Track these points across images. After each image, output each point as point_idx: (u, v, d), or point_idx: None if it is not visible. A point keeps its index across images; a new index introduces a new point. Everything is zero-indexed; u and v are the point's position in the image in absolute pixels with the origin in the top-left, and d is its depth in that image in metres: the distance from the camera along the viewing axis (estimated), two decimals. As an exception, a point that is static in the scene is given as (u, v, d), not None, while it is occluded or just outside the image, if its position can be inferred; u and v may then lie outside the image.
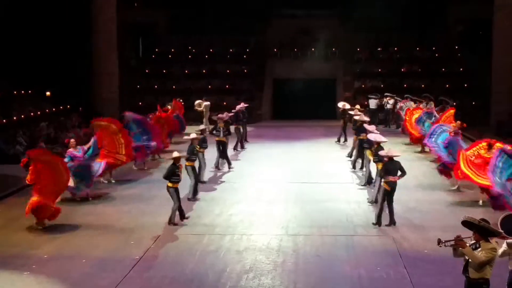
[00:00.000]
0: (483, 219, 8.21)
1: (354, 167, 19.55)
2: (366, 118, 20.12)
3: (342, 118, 24.44)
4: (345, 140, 24.14)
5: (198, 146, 16.68)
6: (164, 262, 11.70)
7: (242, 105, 24.46)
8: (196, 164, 16.79)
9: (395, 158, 13.92)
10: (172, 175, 13.75)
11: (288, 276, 10.90)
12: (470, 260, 8.09)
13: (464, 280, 8.29)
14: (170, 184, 13.79)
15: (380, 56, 35.85)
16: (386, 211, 13.80)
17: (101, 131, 17.97)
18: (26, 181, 14.23)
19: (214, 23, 34.45)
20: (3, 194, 16.56)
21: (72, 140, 17.08)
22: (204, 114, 26.72)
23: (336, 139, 24.55)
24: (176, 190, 13.82)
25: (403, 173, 13.81)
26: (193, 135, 16.72)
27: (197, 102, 26.86)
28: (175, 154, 14.17)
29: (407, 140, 24.25)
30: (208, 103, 26.88)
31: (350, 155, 20.64)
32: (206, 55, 36.06)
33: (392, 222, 13.76)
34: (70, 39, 27.95)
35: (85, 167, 15.98)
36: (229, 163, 19.91)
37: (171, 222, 13.83)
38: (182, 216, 14.01)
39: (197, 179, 16.43)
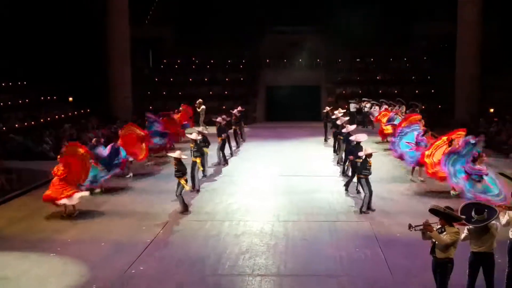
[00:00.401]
0: (447, 207, 8.25)
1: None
2: (345, 118, 20.06)
3: (324, 121, 24.45)
4: (327, 139, 24.16)
5: (192, 145, 16.59)
6: (171, 245, 11.68)
7: (239, 108, 24.41)
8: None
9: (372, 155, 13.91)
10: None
11: (279, 257, 10.90)
12: (436, 242, 8.11)
13: (432, 259, 8.33)
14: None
15: (358, 66, 35.94)
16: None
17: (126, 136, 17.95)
18: (52, 173, 13.72)
19: (214, 38, 34.48)
20: (31, 187, 16.46)
21: (94, 139, 16.94)
22: (201, 117, 26.76)
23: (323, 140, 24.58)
24: (178, 183, 13.78)
25: (369, 172, 13.69)
26: (193, 136, 16.71)
27: (199, 100, 26.98)
28: (175, 154, 14.19)
29: (379, 139, 24.37)
30: (203, 107, 26.87)
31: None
32: (208, 65, 35.99)
33: (361, 208, 13.64)
34: (89, 53, 28.16)
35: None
36: (223, 160, 19.82)
37: (184, 208, 13.84)
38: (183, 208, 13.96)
39: (193, 173, 16.02)
